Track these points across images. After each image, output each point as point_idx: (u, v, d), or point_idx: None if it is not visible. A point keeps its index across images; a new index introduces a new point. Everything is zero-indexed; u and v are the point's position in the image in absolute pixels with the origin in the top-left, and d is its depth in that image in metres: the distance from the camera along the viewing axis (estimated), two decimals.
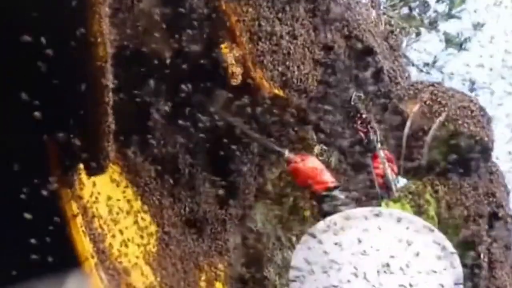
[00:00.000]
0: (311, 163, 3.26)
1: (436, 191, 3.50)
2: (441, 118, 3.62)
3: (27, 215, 2.68)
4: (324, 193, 3.19)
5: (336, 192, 3.19)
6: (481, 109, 3.71)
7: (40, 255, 2.63)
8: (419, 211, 3.35)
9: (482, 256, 3.51)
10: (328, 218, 3.01)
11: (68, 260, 2.77)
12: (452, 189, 3.56)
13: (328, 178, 3.23)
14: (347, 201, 3.17)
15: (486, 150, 3.67)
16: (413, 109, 3.69)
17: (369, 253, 2.87)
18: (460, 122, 3.62)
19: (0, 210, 2.70)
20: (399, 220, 2.97)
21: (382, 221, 2.95)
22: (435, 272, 2.90)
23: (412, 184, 3.55)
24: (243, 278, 3.58)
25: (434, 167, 3.57)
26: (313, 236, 2.99)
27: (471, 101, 3.72)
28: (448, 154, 3.55)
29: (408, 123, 3.65)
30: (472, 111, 3.66)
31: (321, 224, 3.01)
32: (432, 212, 3.36)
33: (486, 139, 3.65)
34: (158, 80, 3.03)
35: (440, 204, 3.46)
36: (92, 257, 2.79)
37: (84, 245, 2.79)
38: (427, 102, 3.68)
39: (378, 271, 2.84)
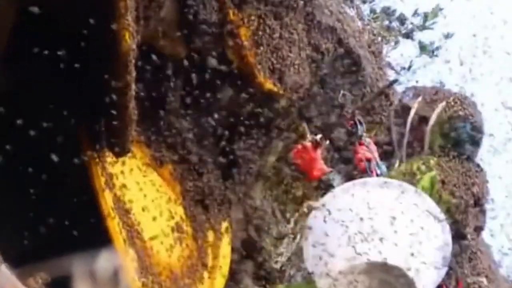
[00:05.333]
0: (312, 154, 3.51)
1: (430, 168, 3.65)
2: (442, 104, 3.82)
3: (60, 190, 2.75)
4: (324, 177, 3.54)
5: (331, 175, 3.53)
6: (472, 101, 3.92)
7: (72, 231, 2.68)
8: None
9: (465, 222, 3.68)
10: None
11: (99, 236, 2.77)
12: (445, 167, 3.71)
13: (324, 166, 3.53)
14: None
15: (479, 133, 3.86)
16: (416, 101, 3.89)
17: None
18: (457, 108, 3.81)
19: (34, 187, 2.75)
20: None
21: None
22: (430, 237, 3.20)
23: (405, 164, 3.73)
24: (243, 247, 3.69)
25: (433, 148, 3.76)
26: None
27: (463, 95, 3.95)
28: (446, 135, 3.77)
29: (412, 111, 3.85)
30: (466, 100, 3.88)
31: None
32: (419, 187, 3.47)
33: (479, 122, 3.86)
34: (173, 76, 3.12)
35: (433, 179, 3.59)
36: (121, 232, 2.82)
37: (114, 221, 2.81)
38: (429, 94, 3.89)
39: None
